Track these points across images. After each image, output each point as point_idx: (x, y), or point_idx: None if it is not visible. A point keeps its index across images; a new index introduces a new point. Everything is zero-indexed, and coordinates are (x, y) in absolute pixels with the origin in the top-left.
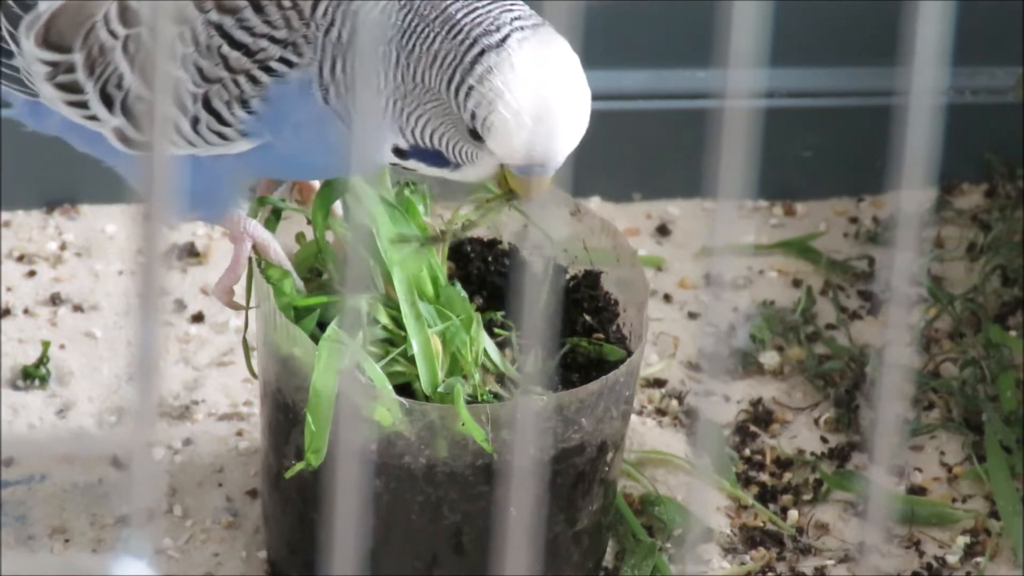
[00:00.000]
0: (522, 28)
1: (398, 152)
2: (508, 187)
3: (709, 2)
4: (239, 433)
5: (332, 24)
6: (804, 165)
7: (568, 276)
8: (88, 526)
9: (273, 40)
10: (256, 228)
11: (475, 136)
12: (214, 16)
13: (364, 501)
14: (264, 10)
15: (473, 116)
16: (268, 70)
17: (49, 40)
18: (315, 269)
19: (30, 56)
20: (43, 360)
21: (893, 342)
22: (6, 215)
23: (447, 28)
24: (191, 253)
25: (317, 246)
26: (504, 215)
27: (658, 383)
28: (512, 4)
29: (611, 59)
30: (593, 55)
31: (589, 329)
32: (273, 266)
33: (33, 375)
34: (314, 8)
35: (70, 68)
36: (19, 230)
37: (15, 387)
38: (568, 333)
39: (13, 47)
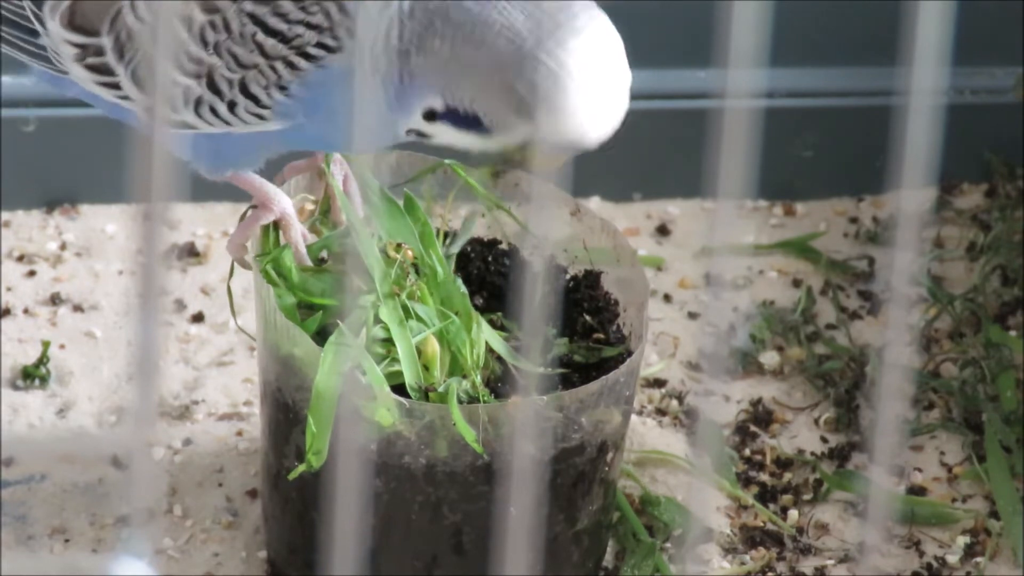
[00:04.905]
0: (592, 19)
1: (429, 115)
2: (522, 158)
3: (709, 2)
4: (239, 433)
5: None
6: (804, 165)
7: (568, 276)
8: (88, 526)
9: (309, 26)
10: (288, 207)
11: (521, 108)
12: (247, 5)
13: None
14: None
15: (533, 87)
16: (306, 56)
17: (75, 23)
18: (323, 260)
19: (57, 37)
20: (43, 360)
21: (893, 342)
22: (6, 215)
23: None
24: (191, 253)
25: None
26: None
27: (658, 383)
28: None
29: None
30: None
31: (589, 329)
32: (271, 260)
33: (33, 375)
34: None
35: (99, 51)
36: (19, 230)
37: (15, 387)
38: (568, 333)
39: (38, 27)
